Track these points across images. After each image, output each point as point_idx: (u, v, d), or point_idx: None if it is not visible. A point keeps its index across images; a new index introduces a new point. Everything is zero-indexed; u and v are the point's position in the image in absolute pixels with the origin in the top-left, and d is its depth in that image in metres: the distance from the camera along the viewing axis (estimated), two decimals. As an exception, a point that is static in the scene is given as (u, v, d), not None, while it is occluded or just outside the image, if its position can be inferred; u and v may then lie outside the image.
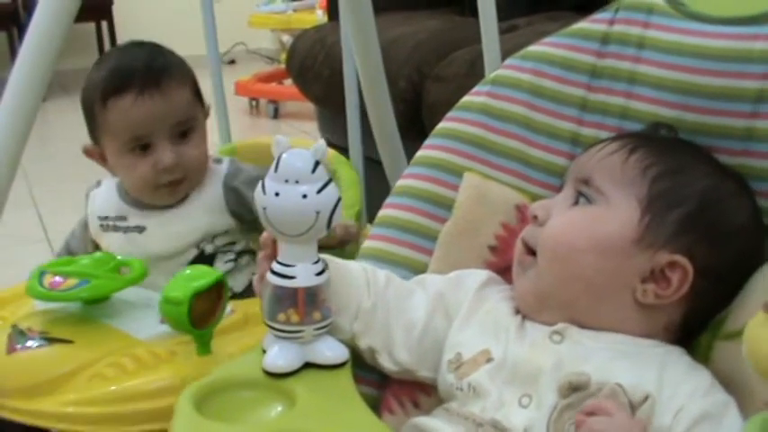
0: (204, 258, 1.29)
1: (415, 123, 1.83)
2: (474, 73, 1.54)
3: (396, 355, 0.87)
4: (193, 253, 1.30)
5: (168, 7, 5.40)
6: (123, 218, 1.33)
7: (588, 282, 0.83)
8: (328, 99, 2.24)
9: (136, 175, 1.27)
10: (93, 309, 1.14)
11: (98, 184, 1.40)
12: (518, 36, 1.77)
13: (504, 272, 0.94)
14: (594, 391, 0.77)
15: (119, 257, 1.16)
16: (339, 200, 0.80)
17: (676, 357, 0.81)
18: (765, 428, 0.57)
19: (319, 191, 0.78)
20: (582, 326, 0.83)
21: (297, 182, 0.78)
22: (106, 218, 1.35)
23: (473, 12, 2.43)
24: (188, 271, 1.03)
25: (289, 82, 4.32)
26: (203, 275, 1.01)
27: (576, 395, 0.77)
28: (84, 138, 1.34)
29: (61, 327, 1.10)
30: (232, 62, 5.60)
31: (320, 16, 4.11)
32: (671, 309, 0.83)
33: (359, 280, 0.87)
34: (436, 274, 0.93)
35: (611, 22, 0.97)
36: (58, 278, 1.12)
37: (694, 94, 0.90)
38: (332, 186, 0.80)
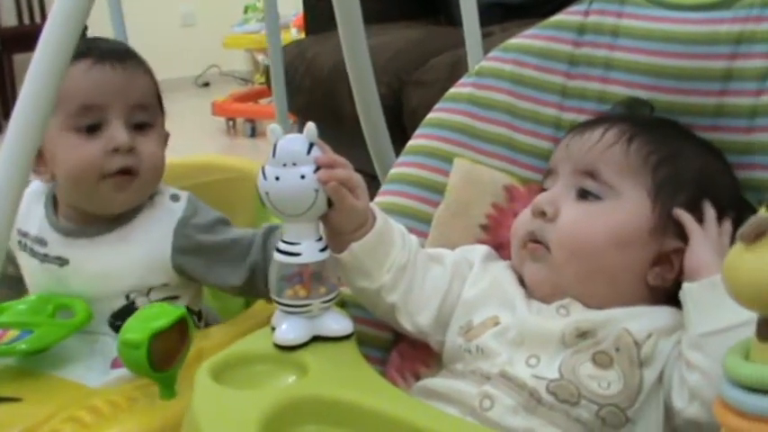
0: (131, 313, 1.00)
1: (397, 128, 1.88)
2: (455, 76, 1.57)
3: (416, 318, 0.92)
4: (120, 303, 1.10)
5: (139, 31, 5.44)
6: (43, 242, 1.13)
7: (608, 274, 0.87)
8: (311, 110, 2.29)
9: (79, 158, 1.06)
10: (35, 359, 1.04)
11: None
12: (495, 40, 1.81)
13: (495, 249, 0.99)
14: (601, 339, 0.83)
15: (56, 298, 1.06)
16: None
17: (668, 313, 0.86)
18: (745, 349, 0.62)
19: (316, 170, 0.84)
20: (587, 306, 0.87)
21: (294, 164, 0.84)
22: (26, 234, 1.15)
23: (449, 21, 2.51)
24: (146, 309, 0.96)
25: (265, 101, 4.39)
26: (164, 314, 0.94)
27: (584, 342, 0.83)
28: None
29: (3, 384, 1.01)
30: (206, 84, 5.64)
31: (294, 34, 4.17)
32: (669, 286, 0.88)
33: (397, 236, 0.92)
34: (446, 249, 0.97)
35: (586, 14, 1.04)
36: None
37: (666, 76, 0.97)
38: None
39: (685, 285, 0.82)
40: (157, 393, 0.96)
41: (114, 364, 1.01)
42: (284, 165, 0.84)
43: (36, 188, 1.17)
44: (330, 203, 0.85)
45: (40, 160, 1.09)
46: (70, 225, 1.13)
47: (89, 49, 1.09)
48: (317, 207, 0.85)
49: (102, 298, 1.08)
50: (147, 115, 1.11)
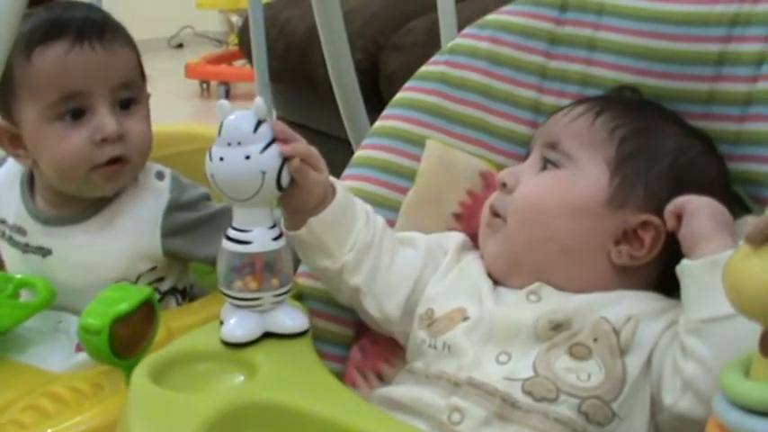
0: None
1: (373, 94, 1.82)
2: (432, 41, 1.53)
3: (383, 303, 0.86)
4: None
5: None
6: (22, 231, 1.07)
7: (561, 244, 0.82)
8: (284, 75, 2.21)
9: (65, 150, 0.98)
10: None
11: (1, 162, 1.12)
12: (469, 6, 1.76)
13: (470, 239, 0.92)
14: (577, 330, 0.77)
15: (17, 277, 0.99)
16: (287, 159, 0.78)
17: (650, 298, 0.81)
18: (745, 365, 0.56)
19: (263, 150, 0.77)
20: (557, 288, 0.82)
21: (239, 143, 0.77)
22: (3, 221, 1.09)
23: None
24: (109, 291, 0.88)
25: (239, 63, 4.28)
26: (127, 296, 0.87)
27: (560, 336, 0.77)
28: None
29: None
30: (180, 46, 5.51)
31: (269, -4, 4.06)
32: (647, 268, 0.82)
33: (361, 213, 0.86)
34: (419, 233, 0.91)
35: (570, -11, 0.97)
36: None
37: (655, 59, 0.90)
38: (277, 145, 0.78)
39: (684, 262, 0.76)
40: (123, 379, 0.89)
41: (79, 348, 0.94)
42: (229, 144, 0.77)
43: (9, 170, 1.10)
44: (280, 187, 0.78)
45: (18, 144, 1.03)
46: (49, 211, 1.06)
47: (64, 28, 1.00)
48: (266, 190, 0.78)
49: (89, 289, 0.96)
50: (133, 91, 1.04)
